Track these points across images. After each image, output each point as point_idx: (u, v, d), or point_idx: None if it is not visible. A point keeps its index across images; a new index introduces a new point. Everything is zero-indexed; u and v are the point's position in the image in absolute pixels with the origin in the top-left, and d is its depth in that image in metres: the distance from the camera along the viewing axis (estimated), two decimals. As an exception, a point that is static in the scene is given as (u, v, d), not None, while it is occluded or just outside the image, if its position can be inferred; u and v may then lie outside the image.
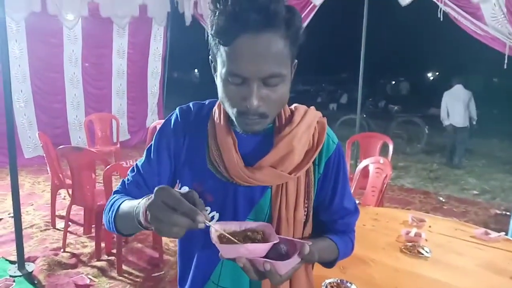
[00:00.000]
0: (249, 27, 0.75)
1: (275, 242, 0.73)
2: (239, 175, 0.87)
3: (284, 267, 0.72)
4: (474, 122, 6.89)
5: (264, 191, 0.91)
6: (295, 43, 0.83)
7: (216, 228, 0.73)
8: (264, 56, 0.76)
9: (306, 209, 0.94)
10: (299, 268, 0.90)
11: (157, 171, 0.95)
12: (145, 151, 0.99)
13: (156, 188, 0.68)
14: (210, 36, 0.82)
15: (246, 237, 0.76)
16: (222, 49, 0.80)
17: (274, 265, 0.70)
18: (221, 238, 0.74)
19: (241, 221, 0.81)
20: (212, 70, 0.89)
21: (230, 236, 0.73)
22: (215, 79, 0.88)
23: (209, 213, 0.91)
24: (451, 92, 6.79)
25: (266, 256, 0.72)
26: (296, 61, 0.88)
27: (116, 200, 0.93)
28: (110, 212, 0.92)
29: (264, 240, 0.76)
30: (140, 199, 0.78)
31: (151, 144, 0.98)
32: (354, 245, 1.04)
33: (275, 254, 0.75)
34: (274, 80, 0.79)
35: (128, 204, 0.85)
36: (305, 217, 0.94)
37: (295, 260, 0.73)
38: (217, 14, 0.77)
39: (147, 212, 0.70)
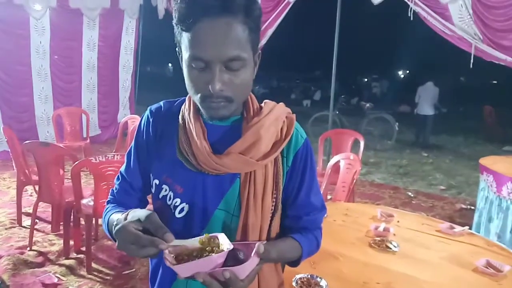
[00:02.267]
0: (208, 12, 0.79)
1: (229, 249, 0.73)
2: (207, 162, 0.88)
3: (243, 271, 0.72)
4: (444, 111, 9.07)
5: (233, 181, 0.92)
6: (255, 31, 0.86)
7: (170, 250, 0.76)
8: (223, 39, 0.80)
9: (274, 200, 0.95)
10: (263, 267, 0.92)
11: (139, 174, 1.00)
12: (126, 156, 1.03)
13: (115, 230, 0.78)
14: (174, 25, 0.86)
15: (202, 251, 0.77)
16: (184, 35, 0.83)
17: (234, 271, 0.71)
18: (178, 259, 0.76)
19: (195, 236, 0.82)
20: (180, 62, 0.91)
21: (184, 254, 0.77)
22: (183, 72, 0.90)
23: (178, 205, 0.92)
24: (423, 88, 8.30)
25: (224, 265, 0.73)
26: (259, 52, 0.91)
27: (107, 212, 0.98)
28: (104, 224, 0.98)
29: (221, 250, 0.76)
30: (114, 223, 0.84)
31: (130, 149, 1.02)
32: (319, 242, 1.05)
33: (233, 261, 0.75)
34: (235, 64, 0.82)
35: (114, 217, 0.91)
36: (273, 208, 0.95)
37: (253, 261, 0.73)
38: (178, 2, 0.82)
39: (117, 246, 0.78)
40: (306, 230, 1.00)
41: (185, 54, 0.84)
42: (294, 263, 1.00)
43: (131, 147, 1.02)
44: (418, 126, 8.89)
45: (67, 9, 6.36)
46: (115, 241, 0.89)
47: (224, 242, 0.76)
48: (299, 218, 1.00)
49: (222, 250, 0.75)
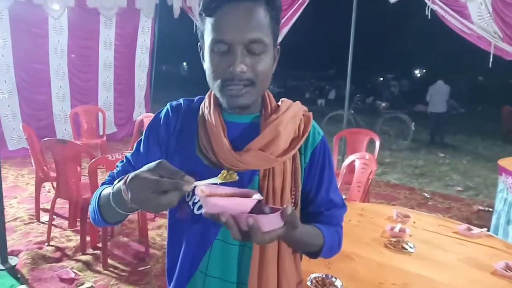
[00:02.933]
0: None
1: (259, 198, 0.72)
2: (227, 158, 0.88)
3: (267, 222, 0.71)
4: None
5: (252, 178, 0.92)
6: (275, 20, 0.88)
7: (203, 189, 0.72)
8: (245, 22, 0.82)
9: (293, 196, 0.95)
10: (284, 264, 0.92)
11: (147, 161, 0.94)
12: (135, 144, 1.01)
13: (128, 180, 0.70)
14: (198, 16, 0.89)
15: (231, 196, 0.76)
16: (207, 21, 0.86)
17: (257, 219, 0.69)
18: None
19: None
20: (201, 57, 0.93)
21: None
22: (204, 65, 0.92)
23: (197, 201, 0.92)
24: (434, 86, 8.61)
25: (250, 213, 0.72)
26: (278, 47, 0.93)
27: (100, 189, 0.93)
28: (94, 201, 0.92)
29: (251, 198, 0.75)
30: (115, 183, 0.78)
31: (141, 138, 1.01)
32: (341, 240, 1.03)
33: (259, 213, 0.74)
34: (257, 47, 0.84)
35: (107, 190, 0.85)
36: (292, 204, 0.94)
37: (277, 219, 0.71)
38: None
39: (130, 199, 0.70)
40: (327, 225, 0.99)
41: (208, 40, 0.86)
42: (315, 254, 0.97)
43: (143, 136, 1.00)
44: (432, 124, 9.06)
45: (85, 8, 6.45)
46: (103, 219, 0.88)
47: (255, 195, 0.74)
48: (320, 214, 0.99)
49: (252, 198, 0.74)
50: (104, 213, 0.88)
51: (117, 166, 1.01)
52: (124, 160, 1.01)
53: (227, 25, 0.82)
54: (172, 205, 0.68)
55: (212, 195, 0.73)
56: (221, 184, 0.75)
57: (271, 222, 0.72)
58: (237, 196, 0.76)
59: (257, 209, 0.73)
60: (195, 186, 0.70)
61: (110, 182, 0.98)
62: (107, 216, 0.88)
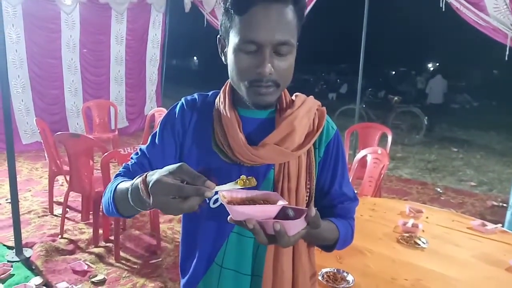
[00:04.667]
0: None
1: (284, 204, 0.73)
2: (243, 153, 0.88)
3: (293, 227, 0.72)
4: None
5: (267, 172, 0.93)
6: (301, 20, 0.88)
7: (224, 195, 0.74)
8: (277, 24, 0.82)
9: (308, 190, 0.96)
10: (301, 256, 0.93)
11: (162, 154, 0.97)
12: (150, 137, 1.01)
13: (150, 185, 0.69)
14: (223, 10, 0.87)
15: (253, 203, 0.77)
16: (236, 19, 0.84)
17: (284, 225, 0.71)
18: (230, 203, 0.74)
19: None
20: (219, 50, 0.93)
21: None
22: (223, 59, 0.92)
23: (213, 195, 0.91)
24: (433, 80, 9.82)
25: (275, 219, 0.73)
26: (297, 42, 0.91)
27: (115, 182, 0.93)
28: (109, 193, 0.92)
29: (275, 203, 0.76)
30: (134, 180, 0.78)
31: (156, 131, 1.01)
32: (353, 232, 1.04)
33: (283, 218, 0.75)
34: (285, 49, 0.84)
35: (124, 185, 0.85)
36: (307, 198, 0.96)
37: (302, 222, 0.73)
38: None
39: (152, 203, 0.70)
40: (340, 218, 1.00)
41: (235, 38, 0.84)
42: (330, 247, 0.99)
43: (158, 129, 1.00)
44: (431, 114, 9.08)
45: (96, 3, 6.48)
46: (117, 211, 0.88)
47: (279, 199, 0.76)
48: (334, 207, 1.00)
49: (276, 203, 0.75)
50: (119, 206, 0.88)
51: (131, 158, 1.01)
52: (139, 153, 1.01)
53: (259, 26, 0.81)
54: (193, 210, 0.68)
55: (234, 200, 0.75)
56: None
57: (296, 226, 0.73)
58: (258, 199, 0.77)
59: (282, 212, 0.75)
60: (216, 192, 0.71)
61: (124, 174, 0.99)
62: (121, 209, 0.88)
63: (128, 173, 0.98)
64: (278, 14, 0.82)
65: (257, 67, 0.83)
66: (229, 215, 0.74)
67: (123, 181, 0.89)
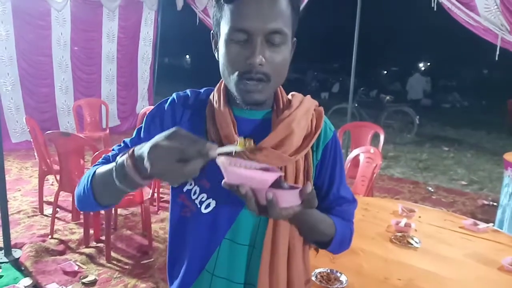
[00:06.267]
0: None
1: (280, 174, 0.72)
2: (238, 156, 0.84)
3: (285, 198, 0.71)
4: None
5: None
6: (296, 12, 0.85)
7: (223, 160, 0.70)
8: (267, 10, 0.79)
9: None
10: (295, 262, 0.90)
11: None
12: (136, 130, 0.97)
13: (147, 149, 0.64)
14: (214, 2, 0.84)
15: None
16: (226, 8, 0.81)
17: (276, 194, 0.69)
18: None
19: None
20: (213, 46, 0.89)
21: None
22: (216, 56, 0.88)
23: (205, 200, 0.90)
24: (413, 78, 10.78)
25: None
26: (295, 39, 0.89)
27: (93, 169, 0.86)
28: (85, 180, 0.86)
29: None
30: (118, 159, 0.73)
31: (141, 125, 0.96)
32: (352, 235, 1.01)
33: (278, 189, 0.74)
34: (277, 38, 0.80)
35: (105, 167, 0.80)
36: None
37: (296, 196, 0.71)
38: None
39: (151, 170, 0.64)
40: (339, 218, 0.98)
41: (225, 28, 0.81)
42: (325, 244, 0.95)
43: (143, 123, 0.95)
44: (411, 108, 9.13)
45: (87, 0, 6.42)
46: (94, 199, 0.83)
47: (277, 170, 0.74)
48: (332, 209, 0.97)
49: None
50: (97, 192, 0.83)
51: (113, 150, 0.95)
52: (122, 144, 0.95)
53: (248, 13, 0.78)
54: (195, 174, 0.64)
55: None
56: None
57: (289, 199, 0.71)
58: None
59: (277, 184, 0.73)
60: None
61: (103, 164, 0.91)
62: (101, 195, 0.83)
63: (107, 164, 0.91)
64: (269, 2, 0.79)
65: (247, 57, 0.79)
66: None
67: (100, 167, 0.83)
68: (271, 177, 0.70)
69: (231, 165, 0.70)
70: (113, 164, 0.74)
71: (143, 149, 0.66)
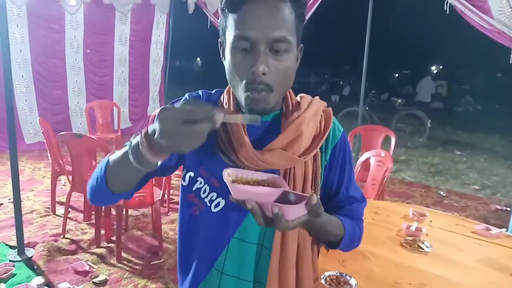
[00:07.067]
0: None
1: (285, 189, 0.73)
2: (248, 157, 0.85)
3: (291, 212, 0.71)
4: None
5: None
6: (300, 19, 0.85)
7: (229, 173, 0.74)
8: (270, 19, 0.79)
9: None
10: (303, 260, 0.91)
11: None
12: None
13: (157, 115, 0.64)
14: (220, 11, 0.86)
15: (259, 183, 0.77)
16: (230, 17, 0.83)
17: (282, 208, 0.70)
18: (234, 183, 0.74)
19: (254, 172, 0.80)
20: (221, 54, 0.90)
21: (242, 177, 0.75)
22: (224, 62, 0.89)
23: (215, 199, 0.91)
24: (423, 81, 10.72)
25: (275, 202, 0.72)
26: (302, 45, 0.90)
27: (107, 159, 0.86)
28: (99, 169, 0.86)
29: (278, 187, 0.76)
30: (132, 140, 0.74)
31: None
32: (362, 234, 1.02)
33: (283, 202, 0.74)
34: (280, 46, 0.80)
35: (120, 152, 0.80)
36: None
37: (302, 208, 0.72)
38: None
39: (159, 132, 0.64)
40: (348, 218, 0.98)
41: (230, 37, 0.82)
42: (335, 244, 0.96)
43: None
44: (419, 110, 9.09)
45: (100, 4, 6.50)
46: (107, 186, 0.83)
47: (282, 184, 0.76)
48: (341, 208, 0.98)
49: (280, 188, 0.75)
50: (111, 178, 0.83)
51: (125, 145, 0.93)
52: None
53: (251, 22, 0.79)
54: (202, 140, 0.63)
55: (238, 180, 0.75)
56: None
57: (296, 211, 0.72)
58: (263, 182, 0.77)
59: (283, 195, 0.74)
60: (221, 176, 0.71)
61: None
62: (115, 180, 0.84)
63: None
64: (273, 9, 0.79)
65: (251, 66, 0.80)
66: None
67: (116, 153, 0.84)
68: (276, 192, 0.72)
69: (239, 176, 0.73)
70: (128, 146, 0.75)
71: (154, 123, 0.66)
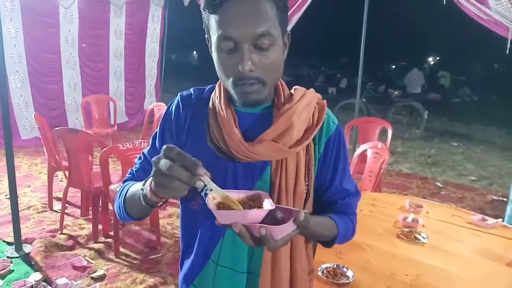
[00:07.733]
0: None
1: (271, 208, 0.73)
2: (239, 149, 0.86)
3: (279, 232, 0.72)
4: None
5: (264, 169, 0.91)
6: (283, 10, 0.85)
7: (214, 196, 0.74)
8: (251, 16, 0.79)
9: (307, 187, 0.94)
10: (296, 253, 0.92)
11: None
12: (151, 139, 1.02)
13: (163, 147, 0.69)
14: (202, 12, 0.86)
15: (243, 204, 0.76)
16: (212, 18, 0.83)
17: (270, 230, 0.70)
18: (219, 205, 0.75)
19: (239, 190, 0.81)
20: (210, 50, 0.90)
21: (227, 202, 0.74)
22: (213, 57, 0.89)
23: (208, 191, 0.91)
24: (411, 73, 10.75)
25: (262, 222, 0.72)
26: (288, 32, 0.90)
27: (125, 186, 0.96)
28: (120, 197, 0.95)
29: (261, 208, 0.76)
30: (145, 181, 0.82)
31: (156, 132, 1.01)
32: (355, 227, 1.03)
33: (271, 221, 0.75)
34: (264, 41, 0.80)
35: (135, 186, 0.89)
36: (305, 195, 0.94)
37: (290, 226, 0.72)
38: None
39: (152, 174, 0.71)
40: (341, 214, 0.99)
41: (214, 38, 0.83)
42: (329, 243, 0.98)
43: (157, 130, 1.00)
44: (410, 101, 9.28)
45: (95, -3, 6.44)
46: (127, 214, 0.93)
47: (267, 202, 0.76)
48: (334, 203, 0.99)
49: (263, 208, 0.75)
50: (129, 209, 0.93)
51: (136, 164, 1.03)
52: (142, 157, 1.02)
53: (232, 22, 0.79)
54: (180, 191, 0.69)
55: (224, 201, 0.75)
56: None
57: (284, 230, 0.73)
58: (248, 199, 0.77)
59: (270, 212, 0.74)
60: (206, 195, 0.74)
61: (130, 180, 1.00)
62: (132, 212, 0.93)
63: (134, 179, 1.00)
64: (252, 6, 0.79)
65: (237, 64, 0.80)
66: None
67: (131, 184, 0.94)
68: (261, 213, 0.72)
69: (224, 195, 0.74)
70: (140, 188, 0.83)
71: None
